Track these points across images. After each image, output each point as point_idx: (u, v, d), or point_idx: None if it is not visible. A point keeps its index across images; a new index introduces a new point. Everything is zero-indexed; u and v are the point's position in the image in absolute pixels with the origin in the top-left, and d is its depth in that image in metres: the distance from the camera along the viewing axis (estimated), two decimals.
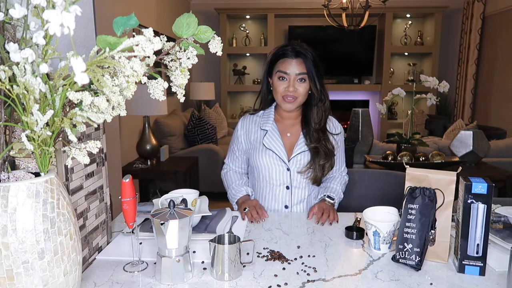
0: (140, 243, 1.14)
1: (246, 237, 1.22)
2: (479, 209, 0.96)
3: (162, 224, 0.89)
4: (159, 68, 0.78)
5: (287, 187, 1.52)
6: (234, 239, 1.00)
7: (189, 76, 0.78)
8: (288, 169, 1.50)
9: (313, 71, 1.44)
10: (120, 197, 0.98)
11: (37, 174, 0.75)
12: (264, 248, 1.13)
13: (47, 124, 0.69)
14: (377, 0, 4.03)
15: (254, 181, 1.59)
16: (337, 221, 1.36)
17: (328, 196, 1.52)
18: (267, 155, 1.50)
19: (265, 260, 1.06)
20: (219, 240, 1.00)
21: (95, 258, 1.07)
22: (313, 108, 1.51)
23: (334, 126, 1.58)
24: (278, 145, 1.50)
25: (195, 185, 3.77)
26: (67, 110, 0.72)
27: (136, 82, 0.70)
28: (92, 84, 0.68)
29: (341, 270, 1.01)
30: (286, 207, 1.53)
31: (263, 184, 1.54)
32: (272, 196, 1.53)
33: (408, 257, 1.02)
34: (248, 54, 6.25)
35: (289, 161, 1.50)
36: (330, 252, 1.12)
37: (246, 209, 1.41)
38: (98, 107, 0.68)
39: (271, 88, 1.52)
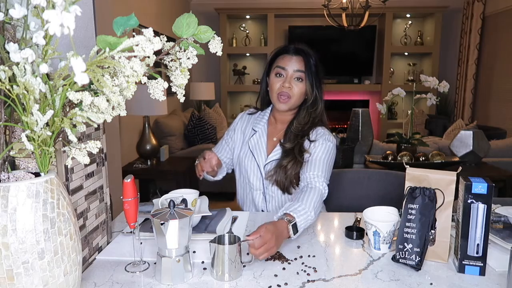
0: (141, 243, 1.14)
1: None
2: (479, 209, 0.96)
3: (162, 224, 0.89)
4: (159, 68, 0.78)
5: (263, 193, 1.48)
6: (234, 239, 1.00)
7: (189, 76, 0.78)
8: (262, 175, 1.46)
9: (312, 71, 1.40)
10: (121, 197, 0.98)
11: (37, 174, 0.75)
12: None
13: (47, 124, 0.69)
14: (377, 0, 4.03)
15: (236, 182, 1.58)
16: (274, 251, 1.05)
17: (288, 214, 1.15)
18: (248, 158, 1.48)
19: (265, 260, 1.06)
20: (219, 240, 1.00)
21: (95, 258, 1.07)
22: (302, 111, 1.45)
23: (317, 134, 1.44)
24: (260, 150, 1.46)
25: (195, 185, 3.77)
26: (67, 110, 0.72)
27: (136, 82, 0.70)
28: (92, 84, 0.68)
29: (341, 270, 1.01)
30: (263, 211, 1.50)
31: (244, 186, 1.53)
32: (251, 200, 1.51)
33: (408, 257, 1.02)
34: (248, 54, 6.25)
35: (263, 168, 1.46)
36: (330, 252, 1.12)
37: (196, 162, 1.37)
38: (98, 107, 0.68)
39: (268, 88, 1.47)
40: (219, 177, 1.57)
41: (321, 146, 1.40)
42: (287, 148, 1.41)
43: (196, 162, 1.40)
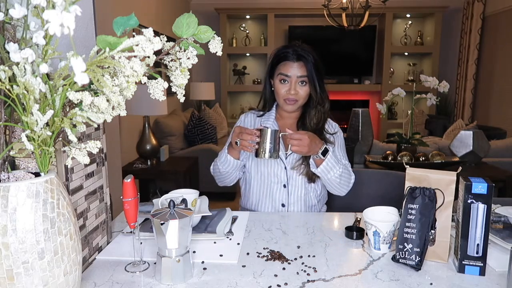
0: (141, 243, 1.14)
1: (245, 237, 1.22)
2: (479, 209, 0.96)
3: (162, 224, 0.89)
4: (159, 68, 0.78)
5: (284, 186, 1.52)
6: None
7: (189, 76, 0.78)
8: (285, 167, 1.51)
9: (314, 74, 1.45)
10: (121, 197, 0.98)
11: (37, 174, 0.75)
12: (264, 248, 1.13)
13: (47, 124, 0.69)
14: (377, 0, 4.03)
15: (249, 179, 1.58)
16: (303, 153, 1.35)
17: (326, 150, 1.39)
18: None
19: (265, 260, 1.06)
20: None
21: (95, 258, 1.07)
22: (312, 110, 1.52)
23: (331, 126, 1.58)
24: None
25: (195, 185, 3.77)
26: (67, 110, 0.72)
27: (136, 82, 0.70)
28: (92, 84, 0.68)
29: (341, 270, 1.01)
30: (283, 205, 1.53)
31: (260, 182, 1.55)
32: (269, 195, 1.54)
33: (408, 257, 1.02)
34: (248, 54, 6.25)
35: (286, 159, 1.51)
36: (330, 252, 1.12)
37: (238, 143, 1.35)
38: (98, 107, 0.68)
39: (273, 89, 1.54)
40: (240, 173, 1.58)
41: (339, 138, 1.57)
42: None
43: (237, 142, 1.35)
